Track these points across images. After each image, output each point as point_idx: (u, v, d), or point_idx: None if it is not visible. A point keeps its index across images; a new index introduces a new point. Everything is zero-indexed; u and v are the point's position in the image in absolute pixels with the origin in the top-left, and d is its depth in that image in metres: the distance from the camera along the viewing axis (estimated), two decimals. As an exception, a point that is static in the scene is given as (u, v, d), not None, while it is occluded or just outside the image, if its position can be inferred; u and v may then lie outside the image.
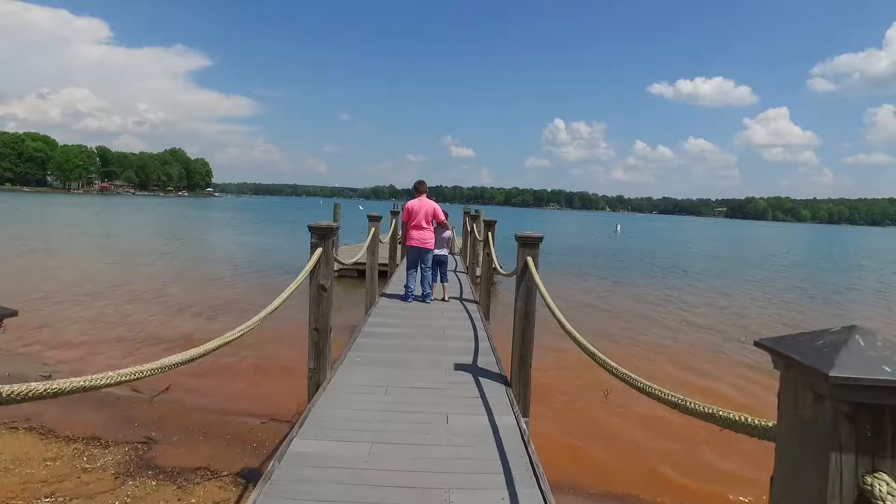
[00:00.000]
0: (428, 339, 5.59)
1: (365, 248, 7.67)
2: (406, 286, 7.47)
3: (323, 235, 4.26)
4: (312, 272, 4.14)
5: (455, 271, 11.05)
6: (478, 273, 9.70)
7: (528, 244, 4.34)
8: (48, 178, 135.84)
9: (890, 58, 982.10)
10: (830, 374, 0.79)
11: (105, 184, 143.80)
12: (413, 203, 7.39)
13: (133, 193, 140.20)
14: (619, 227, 58.15)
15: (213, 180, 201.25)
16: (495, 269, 6.65)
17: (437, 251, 7.47)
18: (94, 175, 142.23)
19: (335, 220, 12.39)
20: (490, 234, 7.72)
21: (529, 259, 4.24)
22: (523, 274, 4.30)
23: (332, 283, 4.35)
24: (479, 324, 6.40)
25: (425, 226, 7.27)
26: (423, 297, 7.44)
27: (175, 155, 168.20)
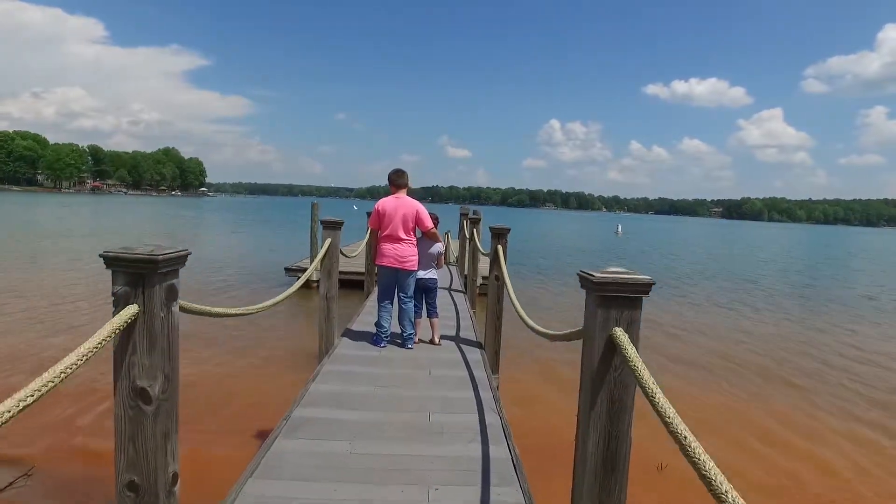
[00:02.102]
0: (405, 429, 3.31)
1: (314, 265, 4.87)
2: (377, 324, 5.11)
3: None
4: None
5: (450, 289, 8.86)
6: (478, 282, 8.16)
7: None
8: (39, 177, 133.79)
9: (881, 60, 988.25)
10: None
11: (96, 183, 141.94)
12: (387, 202, 5.00)
13: (125, 193, 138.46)
14: (619, 227, 57.01)
15: (209, 180, 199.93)
16: (522, 318, 3.48)
17: (422, 273, 5.16)
18: (85, 174, 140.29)
19: (313, 222, 11.25)
20: (501, 247, 5.25)
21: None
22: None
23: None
24: (485, 391, 4.07)
25: (404, 236, 4.94)
26: (403, 341, 5.09)
27: (168, 154, 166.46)
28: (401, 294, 5.05)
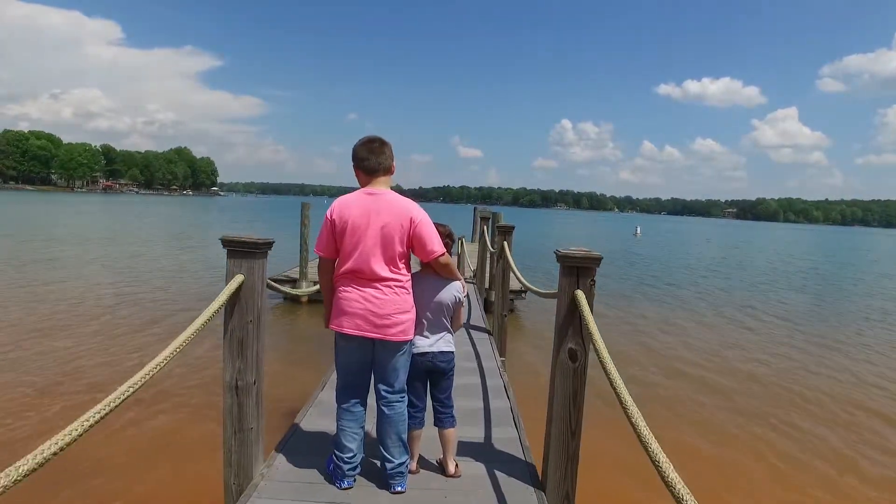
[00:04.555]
0: None
1: (208, 315, 2.15)
2: (336, 445, 2.55)
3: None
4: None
5: (467, 324, 5.97)
6: (505, 313, 6.92)
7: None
8: (53, 176, 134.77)
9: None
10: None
11: (108, 182, 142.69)
12: (350, 205, 2.42)
13: (137, 192, 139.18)
14: (638, 229, 55.38)
15: (221, 180, 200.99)
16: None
17: (423, 344, 2.57)
18: (98, 174, 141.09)
19: (303, 226, 9.92)
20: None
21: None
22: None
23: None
24: None
25: (385, 272, 2.39)
26: (387, 478, 2.50)
27: (180, 154, 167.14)
28: (381, 388, 2.48)
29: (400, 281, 2.40)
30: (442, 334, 2.59)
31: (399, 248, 2.36)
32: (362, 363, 2.48)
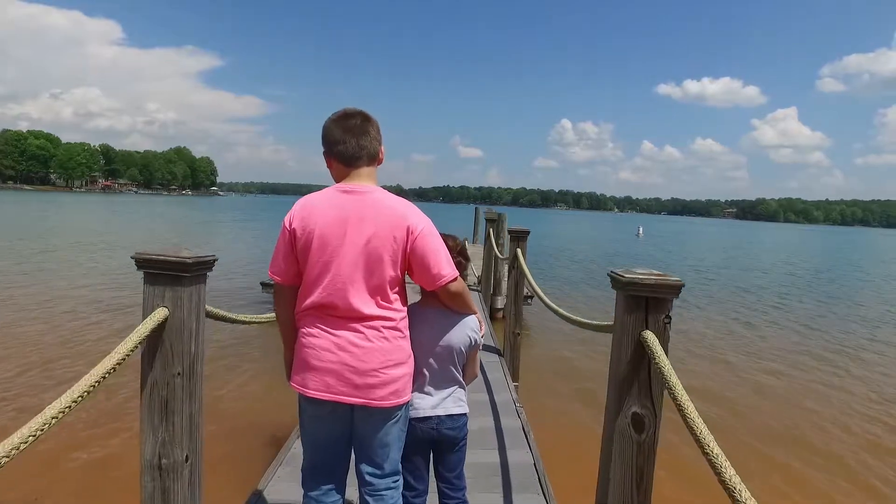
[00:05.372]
0: None
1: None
2: None
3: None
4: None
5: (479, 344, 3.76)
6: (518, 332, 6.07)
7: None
8: (51, 176, 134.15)
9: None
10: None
11: (107, 182, 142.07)
12: (317, 205, 1.64)
13: (136, 192, 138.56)
14: (640, 229, 54.51)
15: (221, 179, 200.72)
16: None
17: (424, 406, 1.79)
18: (97, 173, 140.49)
19: None
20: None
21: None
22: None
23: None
24: None
25: (368, 308, 1.60)
26: None
27: (180, 154, 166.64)
28: (366, 471, 1.70)
29: (391, 320, 1.64)
30: (450, 390, 1.83)
31: (391, 272, 1.61)
32: (337, 437, 1.71)
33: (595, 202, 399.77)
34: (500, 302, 8.86)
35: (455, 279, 1.69)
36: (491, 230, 8.44)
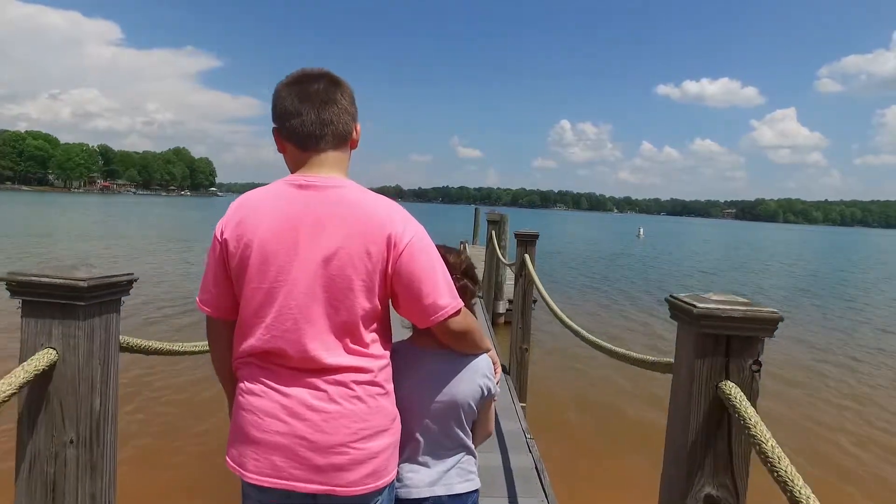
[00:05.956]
0: None
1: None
2: None
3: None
4: None
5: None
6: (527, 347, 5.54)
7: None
8: (50, 176, 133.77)
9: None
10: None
11: (106, 183, 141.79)
12: (255, 207, 1.17)
13: (134, 193, 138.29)
14: (641, 230, 54.01)
15: (220, 180, 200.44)
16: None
17: (425, 485, 1.29)
18: (95, 174, 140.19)
19: None
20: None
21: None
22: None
23: None
24: None
25: (336, 355, 1.12)
26: None
27: (179, 154, 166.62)
28: None
29: (367, 371, 1.14)
30: (455, 459, 1.32)
31: (364, 304, 1.13)
32: None
33: (594, 203, 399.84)
34: (502, 307, 8.42)
35: (458, 312, 1.19)
36: (493, 232, 7.99)
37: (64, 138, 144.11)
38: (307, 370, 1.12)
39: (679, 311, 1.24)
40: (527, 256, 4.23)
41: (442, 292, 1.16)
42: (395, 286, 1.15)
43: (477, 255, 13.11)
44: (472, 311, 1.31)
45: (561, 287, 14.57)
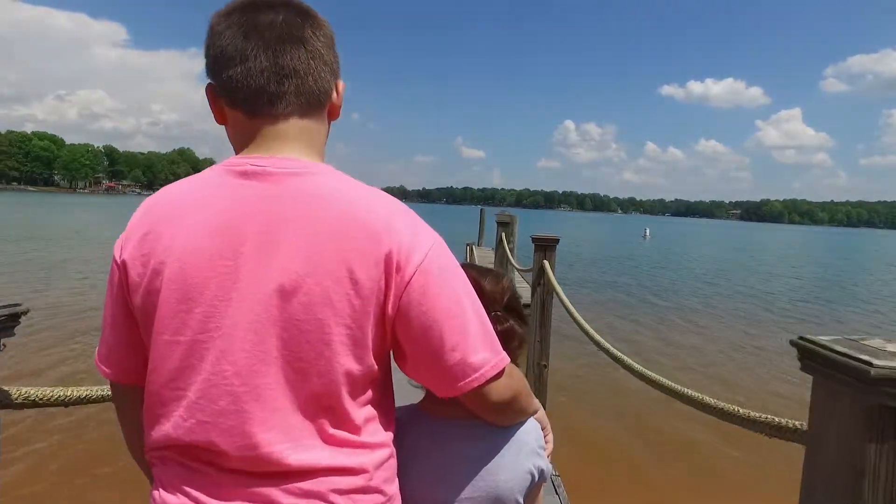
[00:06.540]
0: None
1: None
2: None
3: None
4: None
5: None
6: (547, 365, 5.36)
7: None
8: (55, 177, 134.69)
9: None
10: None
11: (111, 183, 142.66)
12: (174, 209, 0.73)
13: (139, 193, 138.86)
14: (647, 231, 53.70)
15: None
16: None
17: None
18: (101, 175, 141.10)
19: None
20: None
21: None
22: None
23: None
24: None
25: (301, 451, 0.67)
26: None
27: (183, 155, 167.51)
28: None
29: (357, 472, 0.70)
30: None
31: (349, 364, 0.68)
32: None
33: (599, 203, 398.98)
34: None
35: (501, 373, 0.74)
36: (503, 234, 7.74)
37: (70, 139, 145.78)
38: (258, 474, 0.68)
39: (833, 367, 0.84)
40: (546, 263, 3.98)
41: (475, 343, 0.71)
42: (399, 334, 0.71)
43: (483, 257, 12.86)
44: (516, 362, 0.88)
45: (571, 289, 14.30)
